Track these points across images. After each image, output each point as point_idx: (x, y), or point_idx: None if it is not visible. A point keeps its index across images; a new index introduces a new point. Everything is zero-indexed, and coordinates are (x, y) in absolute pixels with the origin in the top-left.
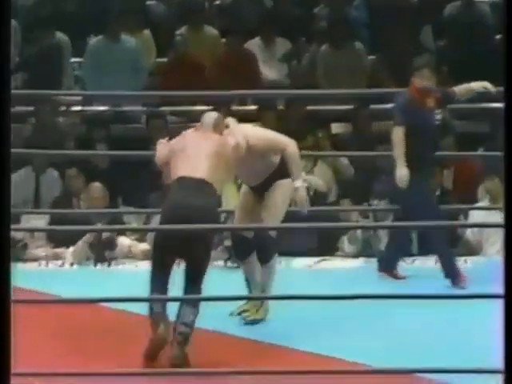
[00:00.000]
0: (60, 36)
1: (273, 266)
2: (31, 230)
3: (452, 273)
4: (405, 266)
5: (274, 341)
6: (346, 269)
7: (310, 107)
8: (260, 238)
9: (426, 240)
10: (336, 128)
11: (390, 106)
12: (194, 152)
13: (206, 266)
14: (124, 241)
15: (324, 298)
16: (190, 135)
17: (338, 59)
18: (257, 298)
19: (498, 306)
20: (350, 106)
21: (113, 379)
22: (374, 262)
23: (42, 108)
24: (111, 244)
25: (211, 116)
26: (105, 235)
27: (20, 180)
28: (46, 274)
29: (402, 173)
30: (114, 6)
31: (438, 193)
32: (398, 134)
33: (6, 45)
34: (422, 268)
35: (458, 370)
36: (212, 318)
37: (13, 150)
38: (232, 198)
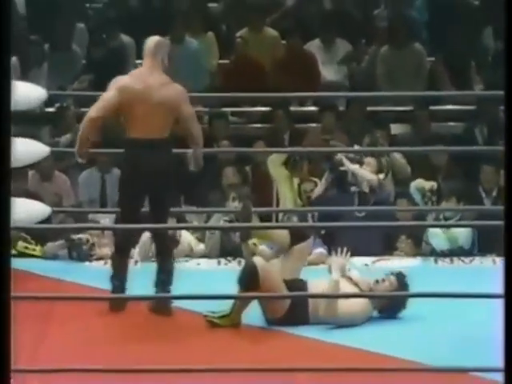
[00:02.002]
0: (124, 38)
1: None
2: (93, 229)
3: None
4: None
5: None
6: (402, 268)
7: (369, 108)
8: None
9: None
10: (395, 129)
11: (448, 107)
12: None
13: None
14: (186, 238)
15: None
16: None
17: (398, 60)
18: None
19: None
20: (410, 107)
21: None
22: (431, 261)
23: None
24: (174, 242)
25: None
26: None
27: (86, 180)
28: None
29: None
30: (177, 7)
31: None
32: None
33: (6, 48)
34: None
35: (457, 369)
36: None
37: (73, 150)
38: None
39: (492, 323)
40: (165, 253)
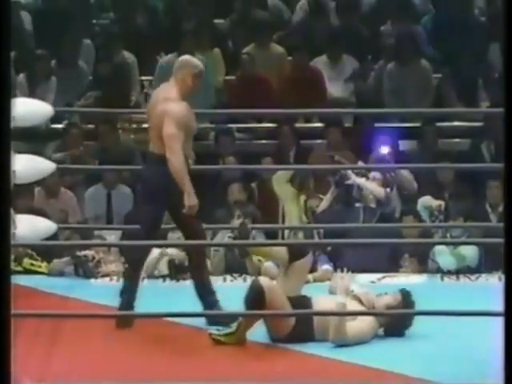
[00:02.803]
0: (127, 54)
1: None
2: (100, 245)
3: None
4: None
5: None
6: (409, 285)
7: (377, 124)
8: None
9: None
10: (402, 145)
11: (455, 123)
12: None
13: None
14: None
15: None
16: None
17: (405, 77)
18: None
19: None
20: (417, 124)
21: None
22: (437, 278)
23: (110, 125)
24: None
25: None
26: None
27: (92, 196)
28: (116, 289)
29: None
30: (184, 24)
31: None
32: None
33: (7, 54)
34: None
35: None
36: None
37: (84, 166)
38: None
39: (496, 341)
40: (198, 268)
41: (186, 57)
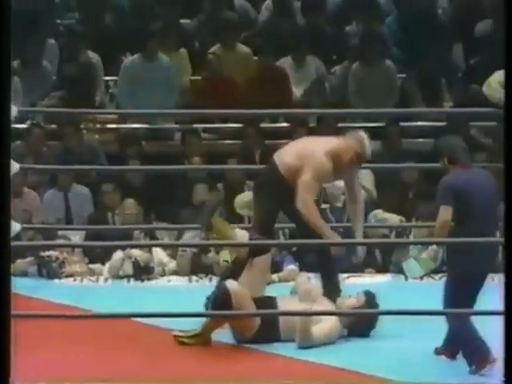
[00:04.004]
0: (91, 54)
1: None
2: (65, 246)
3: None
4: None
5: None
6: (373, 284)
7: (341, 124)
8: None
9: None
10: None
11: (419, 123)
12: None
13: None
14: (158, 255)
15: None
16: None
17: (369, 77)
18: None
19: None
20: (381, 124)
21: None
22: (401, 278)
23: (74, 126)
24: (149, 262)
25: None
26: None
27: (50, 201)
28: (80, 289)
29: None
30: (150, 25)
31: None
32: None
33: (6, 56)
34: None
35: None
36: None
37: (42, 166)
38: None
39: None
40: (327, 267)
41: (364, 136)
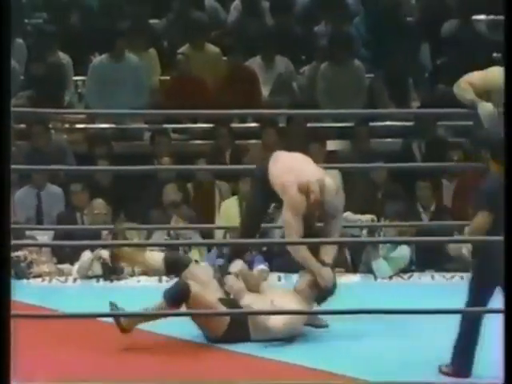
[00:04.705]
0: (62, 55)
1: None
2: (34, 245)
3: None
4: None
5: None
6: (342, 284)
7: (310, 124)
8: None
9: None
10: (335, 145)
11: (387, 123)
12: None
13: None
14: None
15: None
16: None
17: (338, 77)
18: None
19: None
20: (350, 123)
21: None
22: (371, 278)
23: (43, 126)
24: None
25: None
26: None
27: (21, 198)
28: (49, 289)
29: None
30: (119, 24)
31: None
32: None
33: (7, 58)
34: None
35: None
36: None
37: (14, 166)
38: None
39: (427, 338)
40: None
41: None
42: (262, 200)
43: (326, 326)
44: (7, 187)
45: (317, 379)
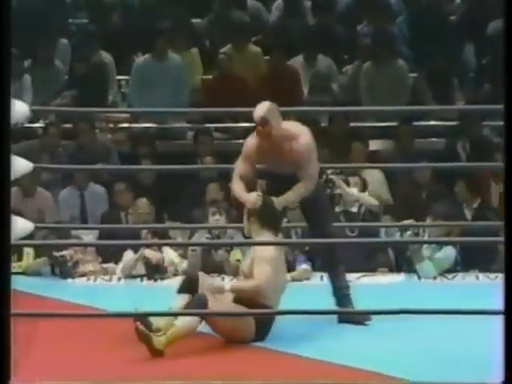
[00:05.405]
0: (104, 54)
1: None
2: (77, 245)
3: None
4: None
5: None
6: (386, 284)
7: (352, 124)
8: None
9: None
10: (378, 144)
11: (431, 123)
12: None
13: None
14: (170, 255)
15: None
16: None
17: (381, 76)
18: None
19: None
20: (393, 123)
21: None
22: (414, 277)
23: (88, 124)
24: (162, 262)
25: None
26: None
27: (65, 198)
28: (94, 288)
29: None
30: (160, 24)
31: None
32: None
33: (7, 58)
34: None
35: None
36: None
37: (54, 166)
38: None
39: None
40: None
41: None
42: None
43: (364, 323)
44: (7, 187)
45: (358, 378)
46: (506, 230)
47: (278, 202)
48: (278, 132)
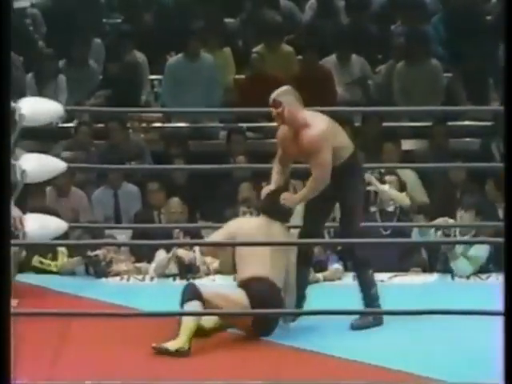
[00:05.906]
0: (138, 54)
1: None
2: (109, 244)
3: None
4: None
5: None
6: (419, 284)
7: (386, 124)
8: None
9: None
10: (412, 144)
11: (466, 123)
12: None
13: None
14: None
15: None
16: None
17: (415, 76)
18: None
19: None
20: (427, 123)
21: None
22: (447, 277)
23: (120, 123)
24: (194, 261)
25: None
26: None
27: (99, 198)
28: (127, 288)
29: None
30: (193, 23)
31: None
32: None
33: (7, 58)
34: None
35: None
36: None
37: (86, 166)
38: None
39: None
40: (360, 265)
41: None
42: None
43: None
44: (7, 187)
45: (393, 379)
46: (506, 230)
47: (293, 200)
48: (292, 117)
